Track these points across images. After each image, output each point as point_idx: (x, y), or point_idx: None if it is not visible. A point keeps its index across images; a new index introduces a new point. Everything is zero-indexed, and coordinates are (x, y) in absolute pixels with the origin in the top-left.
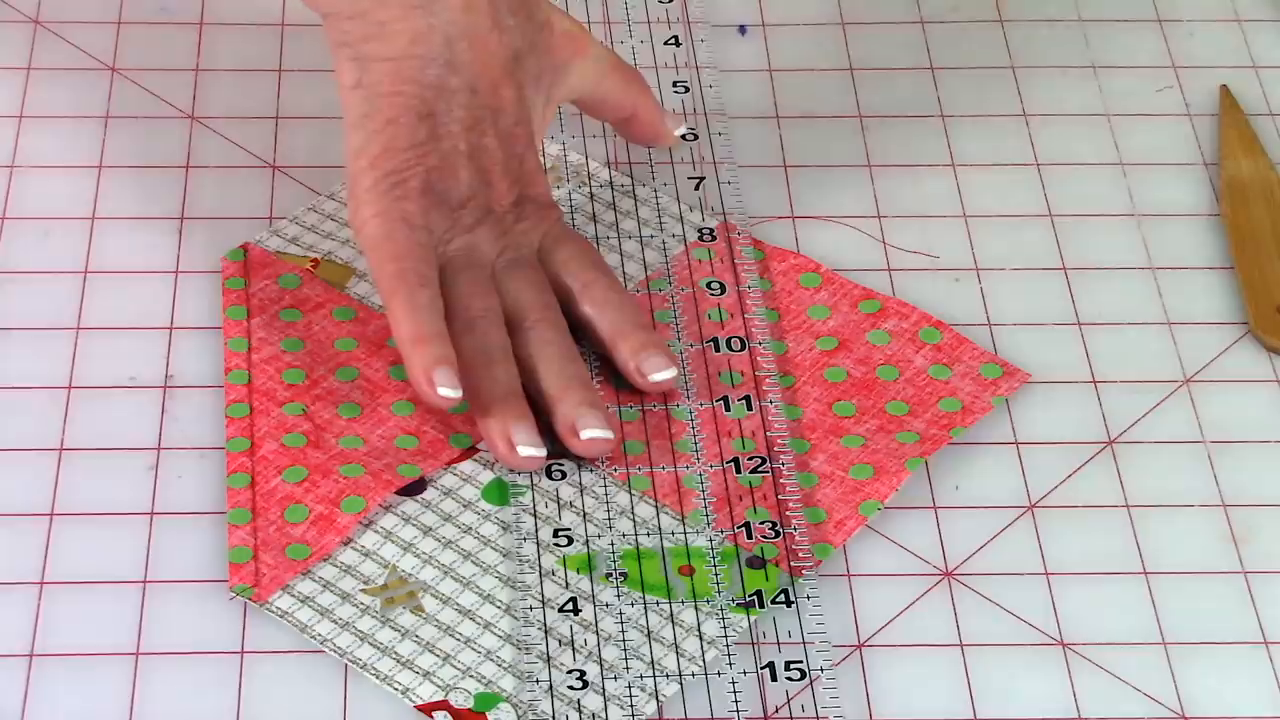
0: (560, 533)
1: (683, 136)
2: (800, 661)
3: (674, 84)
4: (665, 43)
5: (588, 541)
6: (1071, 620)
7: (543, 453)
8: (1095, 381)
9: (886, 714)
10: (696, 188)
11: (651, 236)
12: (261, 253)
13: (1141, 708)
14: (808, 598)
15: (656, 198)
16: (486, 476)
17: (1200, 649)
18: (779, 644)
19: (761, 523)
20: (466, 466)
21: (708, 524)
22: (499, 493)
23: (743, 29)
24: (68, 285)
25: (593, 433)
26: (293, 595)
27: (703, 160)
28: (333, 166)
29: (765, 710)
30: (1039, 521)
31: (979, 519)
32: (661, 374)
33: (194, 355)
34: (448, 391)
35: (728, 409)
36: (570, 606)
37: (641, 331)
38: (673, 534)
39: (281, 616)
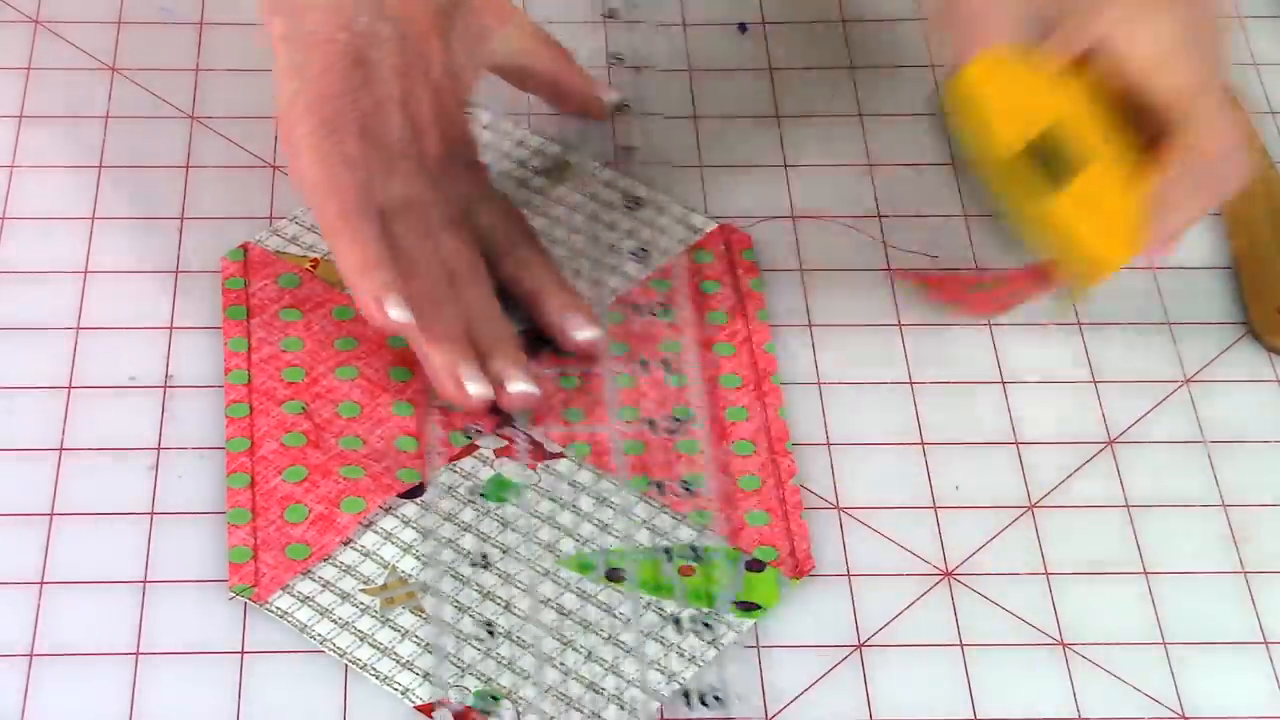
0: (559, 532)
1: (617, 107)
2: (799, 662)
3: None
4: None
5: (586, 541)
6: (1071, 620)
7: (490, 393)
8: (1095, 381)
9: (886, 714)
10: (696, 187)
11: (651, 238)
12: (261, 252)
13: (1141, 708)
14: (805, 599)
15: (656, 198)
16: (486, 474)
17: (1200, 649)
18: (777, 645)
19: (760, 524)
20: (466, 464)
21: (707, 524)
22: (498, 491)
23: (743, 27)
24: (68, 285)
25: (519, 386)
26: (293, 595)
27: (702, 162)
28: None
29: (765, 711)
30: (1039, 521)
31: (979, 519)
32: (585, 333)
33: (194, 355)
34: (399, 314)
35: (726, 412)
36: (569, 606)
37: (565, 292)
38: (672, 534)
39: (281, 616)
